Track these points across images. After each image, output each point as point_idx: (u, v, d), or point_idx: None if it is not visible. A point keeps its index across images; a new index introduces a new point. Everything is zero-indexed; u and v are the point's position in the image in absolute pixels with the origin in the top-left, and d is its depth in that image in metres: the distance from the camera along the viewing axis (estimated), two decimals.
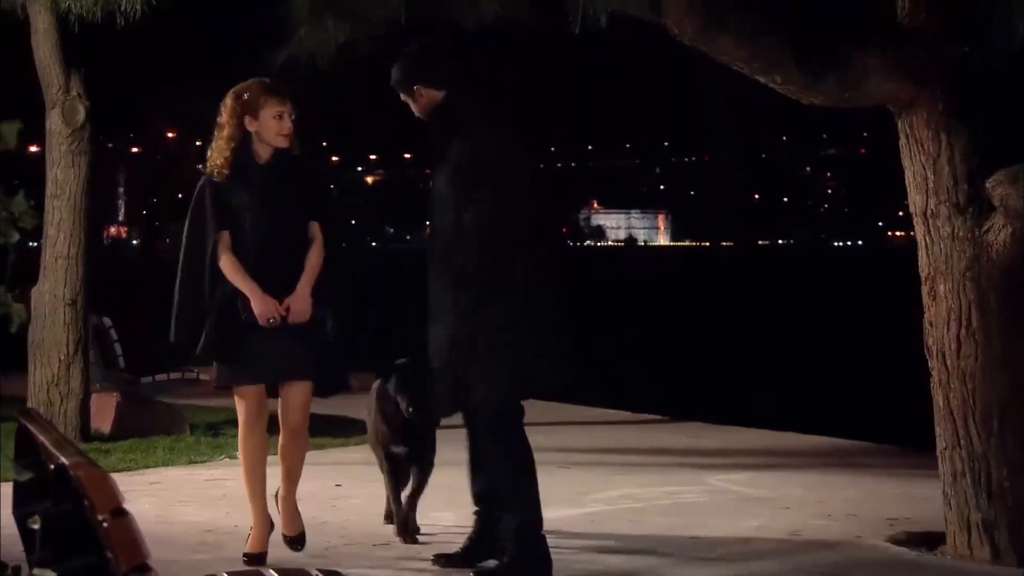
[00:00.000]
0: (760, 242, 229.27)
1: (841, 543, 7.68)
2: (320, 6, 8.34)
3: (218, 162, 6.90)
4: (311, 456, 9.31)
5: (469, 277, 6.59)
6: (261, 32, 8.86)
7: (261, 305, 6.76)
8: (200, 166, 7.14)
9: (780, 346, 29.32)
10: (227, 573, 4.07)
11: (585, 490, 9.11)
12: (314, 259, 6.92)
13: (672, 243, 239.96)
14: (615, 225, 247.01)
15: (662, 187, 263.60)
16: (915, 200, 7.47)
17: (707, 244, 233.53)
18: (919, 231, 7.47)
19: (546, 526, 6.80)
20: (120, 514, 2.65)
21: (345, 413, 10.89)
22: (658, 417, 13.52)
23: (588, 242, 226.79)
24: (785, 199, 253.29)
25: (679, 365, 24.91)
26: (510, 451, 6.74)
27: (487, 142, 6.78)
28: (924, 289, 7.47)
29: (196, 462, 10.26)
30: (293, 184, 6.96)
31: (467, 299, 6.58)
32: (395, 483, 7.45)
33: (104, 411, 11.70)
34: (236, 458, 7.38)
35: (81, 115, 11.25)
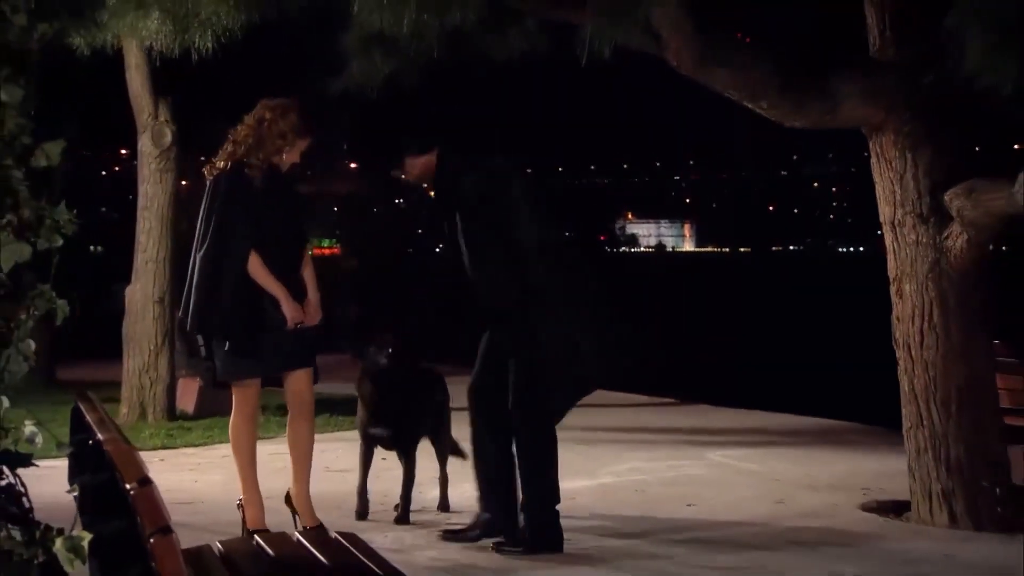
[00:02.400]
0: (774, 247, 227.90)
1: (820, 510, 7.64)
2: (368, 41, 8.35)
3: (260, 158, 6.54)
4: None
5: (535, 289, 6.47)
6: (316, 66, 8.87)
7: (293, 310, 6.53)
8: (229, 158, 6.60)
9: (785, 336, 29.14)
10: (219, 542, 4.06)
11: (598, 464, 9.09)
12: (310, 266, 6.75)
13: (697, 249, 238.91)
14: (646, 233, 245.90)
15: (688, 200, 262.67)
16: (884, 211, 7.43)
17: (727, 250, 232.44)
18: (888, 238, 7.43)
19: (561, 495, 6.69)
20: (145, 483, 2.66)
21: None
22: (670, 400, 13.48)
23: (623, 248, 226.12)
24: (796, 210, 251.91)
25: (693, 353, 24.78)
26: (543, 440, 6.61)
27: (495, 173, 6.65)
28: (892, 289, 7.44)
29: (263, 438, 10.05)
30: (294, 196, 6.79)
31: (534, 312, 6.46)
32: (366, 468, 7.30)
33: (188, 394, 11.78)
34: None
35: (168, 138, 11.34)
